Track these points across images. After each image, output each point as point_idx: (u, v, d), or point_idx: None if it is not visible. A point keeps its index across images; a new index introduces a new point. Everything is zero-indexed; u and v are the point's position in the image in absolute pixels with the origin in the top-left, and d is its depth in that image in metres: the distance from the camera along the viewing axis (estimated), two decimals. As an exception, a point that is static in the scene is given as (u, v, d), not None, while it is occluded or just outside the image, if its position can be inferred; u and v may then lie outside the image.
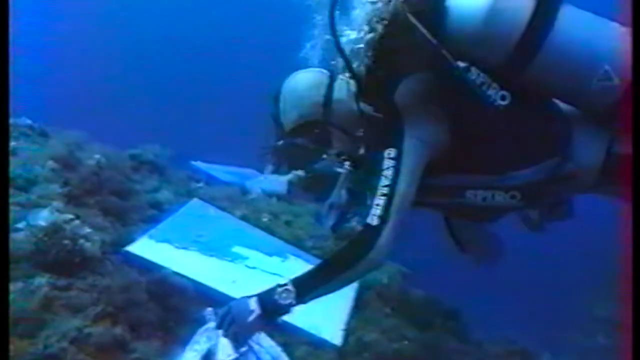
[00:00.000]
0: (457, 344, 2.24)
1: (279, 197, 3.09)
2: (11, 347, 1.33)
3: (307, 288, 1.41)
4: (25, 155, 2.15)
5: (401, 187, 1.40)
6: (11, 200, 1.80)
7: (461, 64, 1.40)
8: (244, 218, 2.53)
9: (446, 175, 1.52)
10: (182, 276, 1.83)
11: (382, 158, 1.43)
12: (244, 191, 2.95)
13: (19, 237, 1.59)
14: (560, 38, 1.37)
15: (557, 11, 1.38)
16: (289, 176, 3.29)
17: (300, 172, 3.28)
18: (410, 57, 1.48)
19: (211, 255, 2.06)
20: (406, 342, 2.01)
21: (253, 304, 1.39)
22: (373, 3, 1.49)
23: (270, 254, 2.27)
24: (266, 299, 1.39)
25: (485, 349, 2.41)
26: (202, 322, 1.77)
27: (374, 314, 2.16)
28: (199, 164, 3.48)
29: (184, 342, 1.60)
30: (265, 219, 2.63)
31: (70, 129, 2.58)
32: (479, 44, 1.40)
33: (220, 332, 1.68)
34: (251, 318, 1.38)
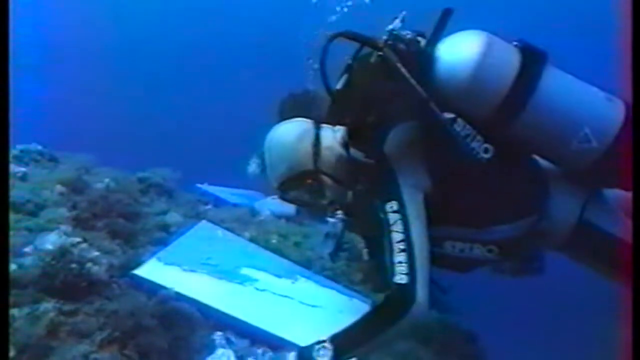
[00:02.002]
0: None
1: (288, 219, 3.06)
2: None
3: (345, 346, 1.41)
4: (35, 181, 2.15)
5: (415, 237, 1.40)
6: (20, 225, 1.80)
7: (448, 116, 1.42)
8: (253, 239, 2.50)
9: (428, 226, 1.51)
10: (191, 299, 1.79)
11: (383, 211, 1.43)
12: (253, 213, 2.93)
13: (27, 261, 1.57)
14: (543, 98, 1.41)
15: (542, 72, 1.41)
16: (297, 198, 3.26)
17: (308, 195, 3.27)
18: (399, 105, 1.49)
19: (220, 278, 2.02)
20: (422, 367, 1.95)
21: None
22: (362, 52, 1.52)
23: (279, 276, 2.23)
24: (305, 355, 1.41)
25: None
26: (211, 346, 1.74)
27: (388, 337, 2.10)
28: (205, 187, 3.47)
29: (193, 368, 1.56)
30: (274, 241, 2.59)
31: (79, 153, 2.59)
32: (465, 97, 1.42)
33: (232, 356, 1.65)
34: None
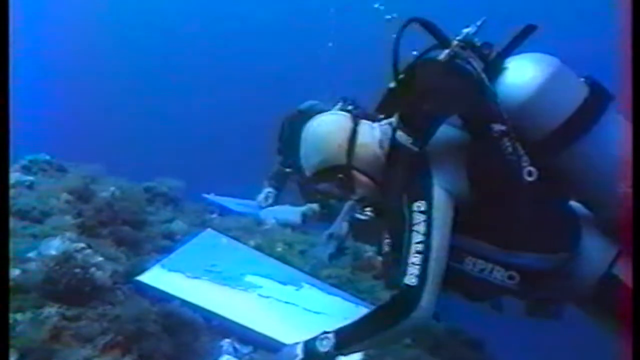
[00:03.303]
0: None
1: (294, 228, 3.06)
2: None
3: (347, 340, 1.42)
4: (42, 189, 2.18)
5: (435, 242, 1.37)
6: (25, 232, 1.81)
7: (500, 127, 1.41)
8: (258, 248, 2.49)
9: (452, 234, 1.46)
10: (195, 305, 1.79)
11: (409, 209, 1.40)
12: (259, 222, 2.93)
13: (30, 267, 1.58)
14: (600, 136, 1.41)
15: (604, 111, 1.42)
16: (303, 208, 3.27)
17: (314, 206, 3.27)
18: (458, 102, 1.47)
19: (224, 285, 2.02)
20: (428, 374, 1.91)
21: (299, 350, 1.45)
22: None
23: (284, 283, 2.22)
24: (309, 345, 1.45)
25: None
26: (216, 353, 1.73)
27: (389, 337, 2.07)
28: (212, 197, 3.48)
29: (196, 373, 1.55)
30: (279, 249, 2.59)
31: (87, 163, 2.62)
32: (522, 114, 1.41)
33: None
34: None
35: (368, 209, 1.72)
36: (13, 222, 1.84)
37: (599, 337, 1.61)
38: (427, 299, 1.34)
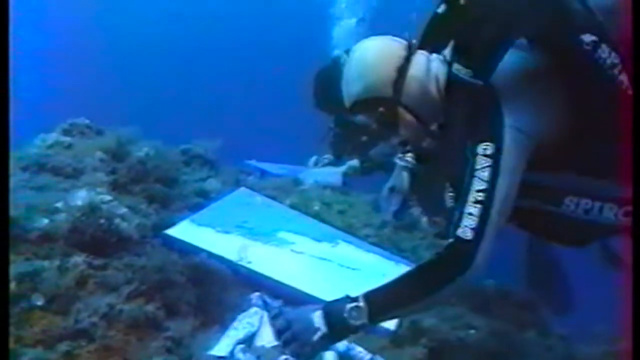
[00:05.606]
0: (537, 336, 1.94)
1: (334, 189, 2.96)
2: (44, 322, 1.31)
3: (382, 308, 1.23)
4: (78, 149, 2.20)
5: (501, 192, 1.17)
6: (58, 187, 1.83)
7: (590, 38, 1.17)
8: (293, 206, 2.42)
9: (541, 174, 1.26)
10: (222, 258, 1.75)
11: (473, 153, 1.19)
12: (297, 182, 2.85)
13: (59, 217, 1.59)
14: None
15: None
16: (343, 168, 3.15)
17: (354, 162, 3.14)
18: (527, 18, 1.23)
19: (255, 240, 1.96)
20: (473, 331, 1.77)
21: (318, 321, 1.23)
22: None
23: (319, 240, 2.13)
24: (334, 316, 1.22)
25: (573, 344, 2.08)
26: (246, 306, 1.68)
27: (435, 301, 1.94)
28: (252, 163, 3.44)
29: (221, 324, 1.51)
30: (316, 207, 2.50)
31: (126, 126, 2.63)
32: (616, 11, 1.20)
33: (266, 316, 1.57)
34: (316, 337, 1.22)
35: (409, 154, 1.56)
36: (46, 178, 1.87)
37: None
38: (482, 256, 1.15)
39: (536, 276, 1.74)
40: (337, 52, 3.24)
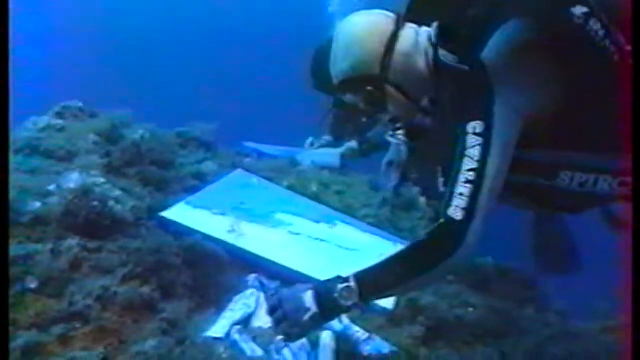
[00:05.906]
0: (535, 313, 1.94)
1: (332, 170, 2.93)
2: (39, 305, 1.30)
3: (373, 288, 1.22)
4: (71, 131, 2.17)
5: (492, 170, 1.15)
6: (50, 170, 1.81)
7: (581, 10, 1.14)
8: (291, 187, 2.40)
9: (536, 150, 1.24)
10: (218, 240, 1.73)
11: (463, 132, 1.17)
12: (294, 163, 2.82)
13: (52, 200, 1.57)
14: None
15: None
16: (342, 149, 3.12)
17: (353, 144, 3.11)
18: None
19: (252, 222, 1.94)
20: (471, 309, 1.77)
21: (309, 301, 1.22)
22: None
23: (317, 221, 2.12)
24: (325, 296, 1.21)
25: (572, 320, 2.08)
26: (243, 288, 1.67)
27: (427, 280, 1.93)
28: (250, 144, 3.41)
29: (217, 306, 1.51)
30: (314, 189, 2.48)
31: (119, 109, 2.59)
32: None
33: (262, 297, 1.56)
34: (306, 317, 1.21)
35: (400, 132, 1.53)
36: (39, 161, 1.84)
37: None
38: (473, 235, 1.14)
39: (544, 240, 1.73)
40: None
